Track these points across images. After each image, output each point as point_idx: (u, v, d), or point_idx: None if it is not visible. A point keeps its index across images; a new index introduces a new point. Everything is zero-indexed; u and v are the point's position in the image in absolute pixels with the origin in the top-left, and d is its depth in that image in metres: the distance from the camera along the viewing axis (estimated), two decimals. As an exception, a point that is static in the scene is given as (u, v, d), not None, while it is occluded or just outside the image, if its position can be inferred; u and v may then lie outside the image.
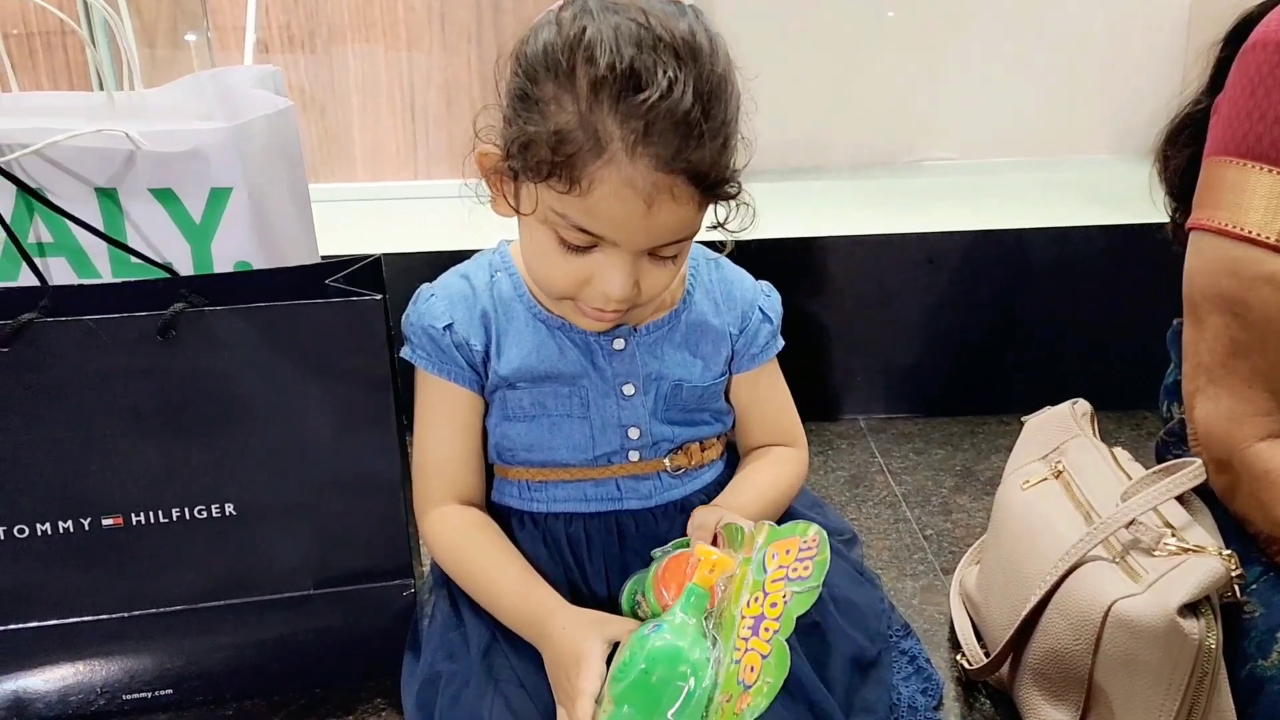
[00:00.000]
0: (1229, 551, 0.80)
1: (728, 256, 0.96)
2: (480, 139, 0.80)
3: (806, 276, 1.55)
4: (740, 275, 0.97)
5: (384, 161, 2.37)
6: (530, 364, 0.88)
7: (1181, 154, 0.96)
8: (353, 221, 2.01)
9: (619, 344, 0.89)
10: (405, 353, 0.91)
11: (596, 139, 0.72)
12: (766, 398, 0.98)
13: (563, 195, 0.74)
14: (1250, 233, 0.82)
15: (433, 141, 2.32)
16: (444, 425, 0.91)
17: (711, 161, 0.74)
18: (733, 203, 0.81)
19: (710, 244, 0.95)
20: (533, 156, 0.74)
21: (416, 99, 2.32)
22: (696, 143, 0.72)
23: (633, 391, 0.89)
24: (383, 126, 2.33)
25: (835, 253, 1.54)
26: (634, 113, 0.71)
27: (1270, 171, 0.82)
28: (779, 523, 0.83)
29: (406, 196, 2.29)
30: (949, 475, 1.41)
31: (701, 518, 0.86)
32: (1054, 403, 1.08)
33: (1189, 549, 0.80)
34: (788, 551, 0.75)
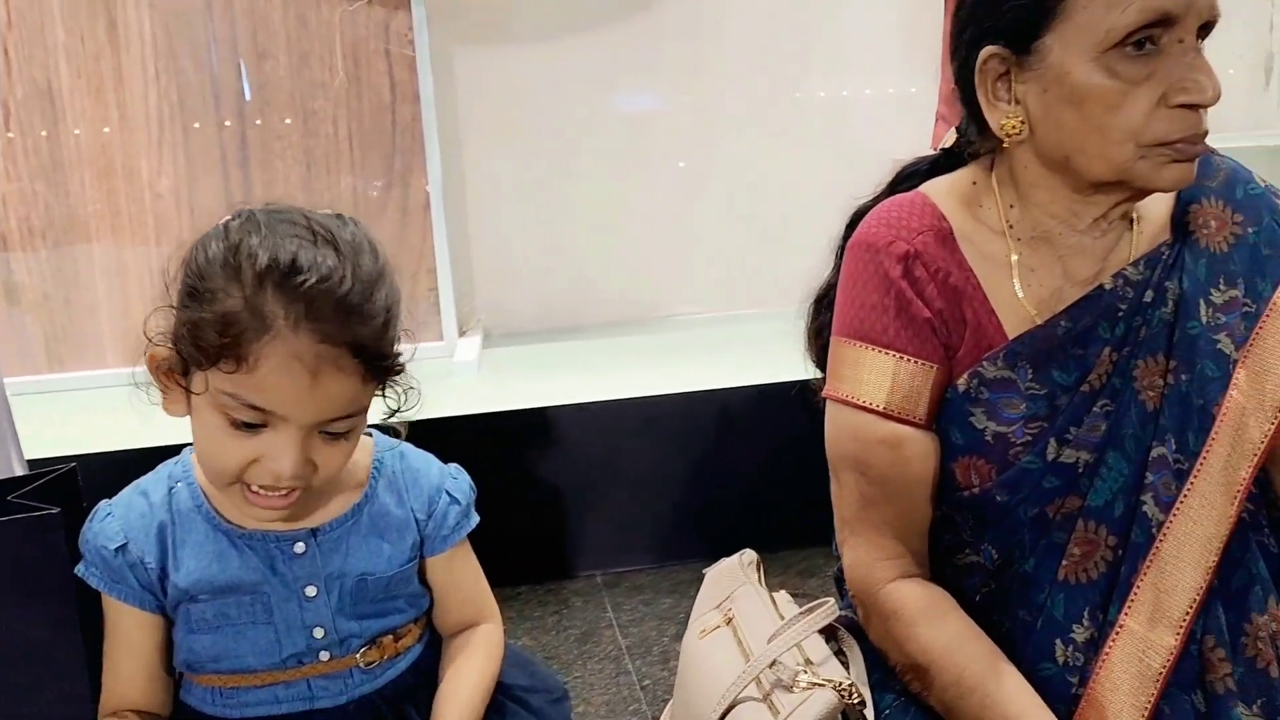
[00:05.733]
0: (849, 683, 0.91)
1: (410, 440, 1.01)
2: (150, 341, 0.85)
3: (538, 444, 1.64)
4: (426, 461, 1.02)
5: (137, 346, 2.36)
6: (210, 574, 0.91)
7: (824, 317, 1.09)
8: (109, 407, 2.02)
9: (299, 548, 0.92)
10: (80, 570, 0.92)
11: (262, 318, 0.79)
12: (460, 579, 1.02)
13: (231, 375, 0.80)
14: (865, 402, 0.96)
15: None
16: (115, 641, 0.93)
17: (373, 338, 0.83)
18: (399, 387, 0.89)
19: (387, 430, 1.00)
20: (202, 340, 0.80)
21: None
22: (357, 320, 0.81)
23: (315, 593, 0.93)
24: (132, 313, 2.33)
25: (565, 420, 1.65)
26: (296, 293, 0.79)
27: (879, 351, 0.96)
28: None
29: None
30: (672, 624, 1.49)
31: None
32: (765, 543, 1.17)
33: (817, 684, 0.91)
34: None
